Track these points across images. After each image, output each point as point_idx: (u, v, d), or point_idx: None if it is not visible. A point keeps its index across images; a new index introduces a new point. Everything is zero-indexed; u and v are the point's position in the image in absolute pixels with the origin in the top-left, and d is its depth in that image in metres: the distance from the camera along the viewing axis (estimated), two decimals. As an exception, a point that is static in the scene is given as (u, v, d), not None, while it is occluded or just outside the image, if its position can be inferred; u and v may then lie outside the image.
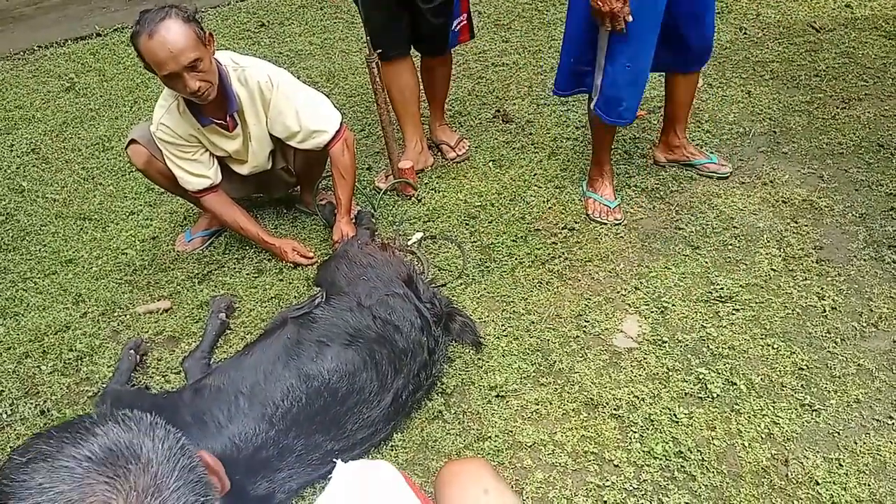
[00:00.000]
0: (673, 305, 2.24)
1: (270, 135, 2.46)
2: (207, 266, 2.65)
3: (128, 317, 2.47)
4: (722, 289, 2.27)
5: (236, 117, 2.38)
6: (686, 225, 2.55)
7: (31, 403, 2.17)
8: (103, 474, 0.64)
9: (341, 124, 2.45)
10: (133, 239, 2.88)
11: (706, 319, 2.18)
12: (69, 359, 2.32)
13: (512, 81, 3.69)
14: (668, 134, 2.80)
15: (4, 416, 2.15)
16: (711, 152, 2.86)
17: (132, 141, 2.46)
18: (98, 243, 2.88)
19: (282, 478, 1.73)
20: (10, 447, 2.04)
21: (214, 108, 2.31)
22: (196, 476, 0.72)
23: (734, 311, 2.19)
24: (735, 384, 1.96)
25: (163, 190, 2.75)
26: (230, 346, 2.29)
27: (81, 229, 2.99)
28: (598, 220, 2.62)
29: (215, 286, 2.55)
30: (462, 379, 2.07)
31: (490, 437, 1.90)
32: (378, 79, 2.67)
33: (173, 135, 2.37)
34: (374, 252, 2.14)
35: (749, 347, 2.07)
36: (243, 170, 2.57)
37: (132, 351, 2.23)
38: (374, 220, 2.70)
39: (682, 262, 2.40)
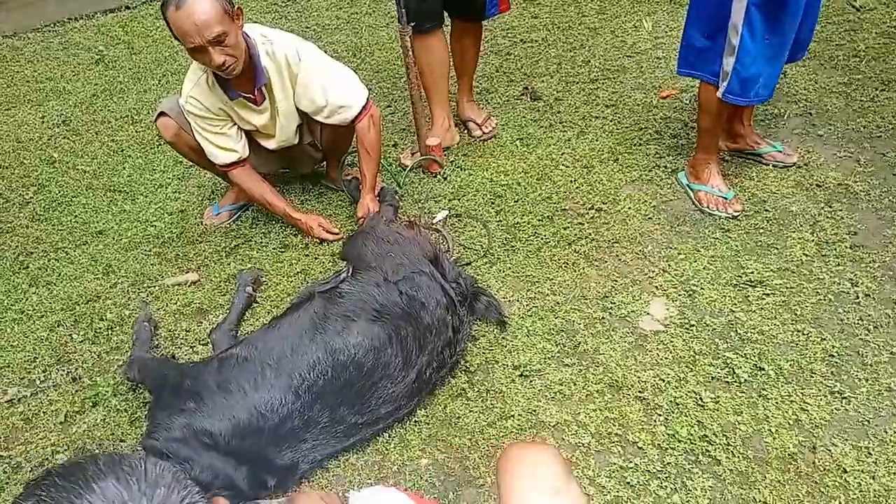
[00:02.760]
0: (701, 289, 2.21)
1: (297, 109, 2.45)
2: (235, 240, 2.67)
3: (156, 288, 2.51)
4: (752, 273, 2.23)
5: (264, 91, 2.38)
6: (716, 207, 2.51)
7: (64, 370, 2.22)
8: None
9: (368, 100, 2.44)
10: (161, 212, 2.91)
11: (735, 304, 2.15)
12: (100, 328, 2.36)
13: (540, 58, 3.64)
14: (732, 122, 2.65)
15: (38, 381, 2.20)
16: (775, 140, 2.73)
17: (161, 113, 2.47)
18: (127, 215, 2.92)
19: (306, 448, 1.76)
20: (44, 412, 2.09)
21: (243, 81, 2.31)
22: None
23: (764, 296, 2.16)
24: (763, 369, 1.94)
25: (191, 163, 2.77)
26: (257, 319, 2.32)
27: (111, 201, 3.02)
28: (715, 213, 2.47)
29: (242, 260, 2.57)
30: (486, 357, 2.07)
31: (513, 415, 1.90)
32: (411, 52, 2.64)
33: (202, 108, 2.37)
34: (400, 230, 2.14)
35: (778, 333, 2.03)
36: (271, 144, 2.58)
37: (146, 323, 2.27)
38: (397, 196, 2.69)
39: (711, 246, 2.37)
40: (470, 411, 1.93)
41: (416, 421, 1.91)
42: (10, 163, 3.36)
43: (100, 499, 0.66)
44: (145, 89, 3.89)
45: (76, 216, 2.95)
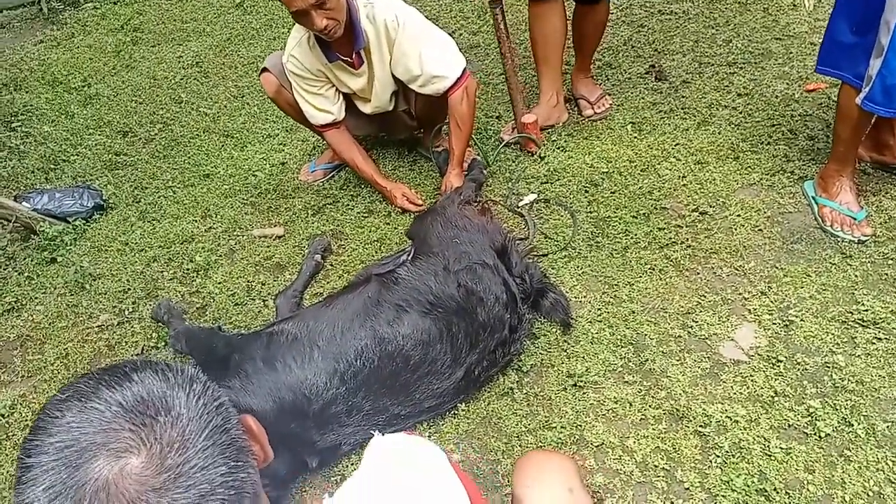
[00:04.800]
0: (801, 320, 1.95)
1: (393, 76, 2.40)
2: (324, 199, 2.71)
3: (244, 238, 2.61)
4: (867, 311, 1.93)
5: (362, 55, 2.35)
6: (842, 227, 2.19)
7: (150, 305, 2.37)
8: (130, 421, 0.65)
9: (464, 71, 2.34)
10: (264, 162, 3.00)
11: (837, 344, 1.88)
12: (188, 269, 2.50)
13: (676, 33, 3.33)
14: (881, 129, 2.29)
15: (126, 312, 2.37)
16: None
17: (264, 69, 2.52)
18: (234, 161, 3.04)
19: (348, 433, 1.75)
20: (125, 342, 2.26)
21: (342, 44, 2.29)
22: (229, 439, 0.70)
23: (875, 340, 1.87)
24: (852, 426, 1.69)
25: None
26: (328, 282, 2.35)
27: (223, 146, 3.16)
28: (839, 234, 2.17)
29: (327, 220, 2.61)
30: (541, 359, 1.97)
31: (556, 427, 1.80)
32: (502, 27, 2.50)
33: (301, 67, 2.39)
34: (471, 215, 2.05)
35: (882, 386, 1.76)
36: (366, 108, 2.56)
37: (168, 303, 2.29)
38: (485, 172, 2.59)
39: (825, 272, 2.08)
40: (513, 414, 1.85)
41: (454, 414, 1.86)
42: (144, 99, 3.61)
43: (139, 388, 0.68)
44: (275, 37, 4.00)
45: (189, 157, 3.12)
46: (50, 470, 0.62)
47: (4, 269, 2.64)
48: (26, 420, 2.08)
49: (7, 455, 1.99)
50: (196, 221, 2.72)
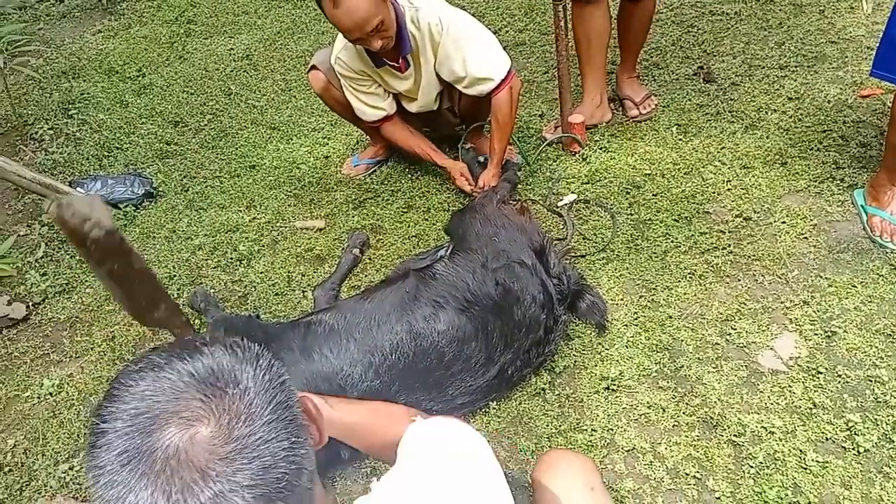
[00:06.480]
0: (844, 332, 1.91)
1: (438, 77, 2.42)
2: (365, 193, 2.75)
3: (287, 229, 2.66)
4: (914, 325, 1.89)
5: (409, 59, 2.36)
6: (892, 239, 2.13)
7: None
8: (201, 392, 0.68)
9: (509, 72, 2.34)
10: (309, 155, 3.05)
11: (881, 357, 1.84)
12: (232, 258, 2.56)
13: (727, 35, 3.26)
14: None
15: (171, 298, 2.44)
16: None
17: (313, 66, 2.57)
18: (279, 154, 3.10)
19: None
20: (170, 328, 2.33)
21: (389, 50, 2.30)
22: (291, 415, 0.73)
23: (922, 356, 1.82)
24: (893, 442, 1.65)
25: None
26: (366, 276, 2.38)
27: (269, 138, 3.22)
28: (888, 245, 2.12)
29: (367, 215, 2.64)
30: (575, 361, 1.97)
31: (587, 430, 1.80)
32: (563, 23, 2.49)
33: (348, 69, 2.42)
34: (511, 214, 2.06)
35: (927, 404, 1.72)
36: (412, 107, 2.58)
37: (204, 293, 2.34)
38: (520, 174, 2.60)
39: (872, 283, 2.03)
40: (544, 415, 1.86)
41: (486, 412, 1.88)
42: (196, 90, 3.69)
43: (210, 360, 0.71)
44: (323, 31, 4.04)
45: (237, 148, 3.19)
46: (123, 436, 0.66)
47: (58, 252, 2.74)
48: (73, 399, 2.16)
49: (54, 433, 2.07)
50: (241, 212, 2.79)
